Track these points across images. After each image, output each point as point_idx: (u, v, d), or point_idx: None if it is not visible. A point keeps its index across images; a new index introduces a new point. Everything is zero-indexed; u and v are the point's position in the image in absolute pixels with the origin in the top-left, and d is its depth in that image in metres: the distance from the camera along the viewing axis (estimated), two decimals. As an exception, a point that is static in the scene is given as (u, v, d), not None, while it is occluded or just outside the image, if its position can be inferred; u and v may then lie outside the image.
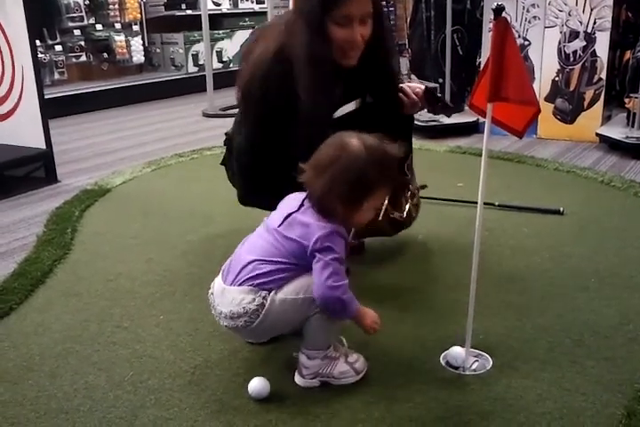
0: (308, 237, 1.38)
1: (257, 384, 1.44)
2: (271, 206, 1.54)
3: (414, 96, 1.97)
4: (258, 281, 1.41)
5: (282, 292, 1.41)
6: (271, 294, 1.40)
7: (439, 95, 1.95)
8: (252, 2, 6.65)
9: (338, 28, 1.75)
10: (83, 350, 1.67)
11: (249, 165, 1.97)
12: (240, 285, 1.43)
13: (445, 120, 4.11)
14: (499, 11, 1.33)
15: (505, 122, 1.46)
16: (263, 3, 6.40)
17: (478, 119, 3.98)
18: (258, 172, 1.95)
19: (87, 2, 5.35)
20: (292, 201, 1.48)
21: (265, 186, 1.91)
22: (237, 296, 1.42)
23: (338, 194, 1.38)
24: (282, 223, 1.43)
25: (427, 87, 1.97)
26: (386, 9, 4.43)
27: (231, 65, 6.30)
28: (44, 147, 3.22)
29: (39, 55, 4.49)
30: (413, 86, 1.99)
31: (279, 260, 1.41)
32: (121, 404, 1.45)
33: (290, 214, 1.43)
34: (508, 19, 1.35)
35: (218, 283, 1.50)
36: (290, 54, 1.77)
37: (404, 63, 4.48)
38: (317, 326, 1.44)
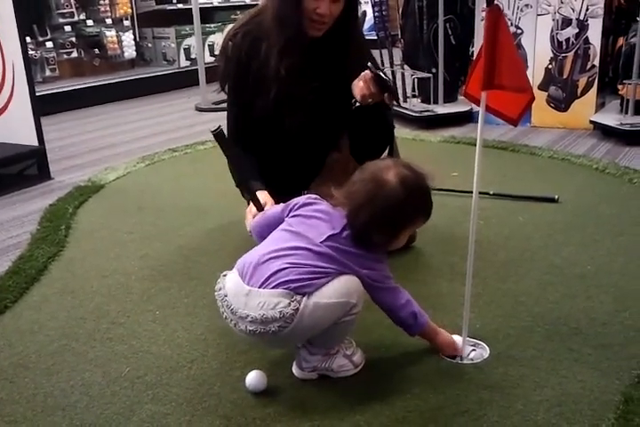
0: (358, 264, 1.41)
1: (254, 378, 1.44)
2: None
3: (361, 83, 1.88)
4: (294, 285, 1.35)
5: (315, 296, 1.35)
6: (304, 298, 1.35)
7: (382, 75, 1.83)
8: (243, -5, 6.62)
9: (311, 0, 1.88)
10: (79, 347, 1.66)
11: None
12: (273, 287, 1.36)
13: (439, 110, 4.11)
14: (491, -2, 1.33)
15: (499, 110, 1.46)
16: (254, -5, 6.37)
17: (472, 109, 3.97)
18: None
19: (77, -3, 5.33)
20: (326, 218, 1.44)
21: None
22: (271, 300, 1.35)
23: (379, 231, 1.41)
24: (323, 241, 1.40)
25: (371, 70, 1.84)
26: (378, -1, 4.40)
27: (223, 59, 6.26)
28: (36, 144, 3.20)
29: (30, 52, 4.47)
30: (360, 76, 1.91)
31: (316, 269, 1.37)
32: (118, 400, 1.44)
33: (332, 236, 1.41)
34: (500, 7, 1.34)
35: (234, 283, 1.41)
36: (259, 23, 1.99)
37: (397, 53, 4.47)
38: (340, 330, 1.43)
